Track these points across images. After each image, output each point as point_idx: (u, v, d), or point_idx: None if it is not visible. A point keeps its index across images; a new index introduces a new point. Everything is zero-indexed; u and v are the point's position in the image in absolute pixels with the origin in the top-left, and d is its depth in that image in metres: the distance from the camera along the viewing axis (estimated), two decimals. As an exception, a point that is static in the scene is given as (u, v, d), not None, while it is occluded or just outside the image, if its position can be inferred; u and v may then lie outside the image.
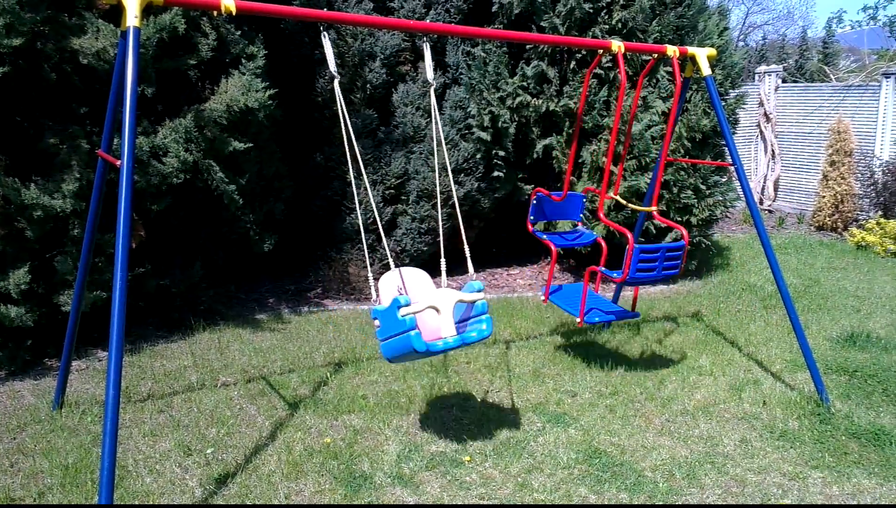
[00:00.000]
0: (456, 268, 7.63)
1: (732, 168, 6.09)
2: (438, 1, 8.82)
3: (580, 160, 8.49)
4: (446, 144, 8.44)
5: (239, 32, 7.03)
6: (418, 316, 4.11)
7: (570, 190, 6.81)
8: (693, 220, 8.80)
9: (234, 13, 3.80)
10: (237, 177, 7.06)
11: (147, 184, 6.18)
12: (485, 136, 8.45)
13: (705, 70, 5.35)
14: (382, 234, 4.59)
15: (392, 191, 8.40)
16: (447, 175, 8.33)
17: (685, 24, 8.39)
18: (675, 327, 7.15)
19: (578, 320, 5.57)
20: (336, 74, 4.14)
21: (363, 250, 8.42)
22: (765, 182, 14.47)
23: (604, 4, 8.34)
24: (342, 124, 4.19)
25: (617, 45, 5.09)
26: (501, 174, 8.66)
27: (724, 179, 9.23)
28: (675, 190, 8.52)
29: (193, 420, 4.91)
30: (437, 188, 5.83)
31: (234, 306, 7.77)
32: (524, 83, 8.36)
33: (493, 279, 9.11)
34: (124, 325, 3.30)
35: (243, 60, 7.02)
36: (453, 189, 5.11)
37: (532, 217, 6.03)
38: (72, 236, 5.85)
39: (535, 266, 9.56)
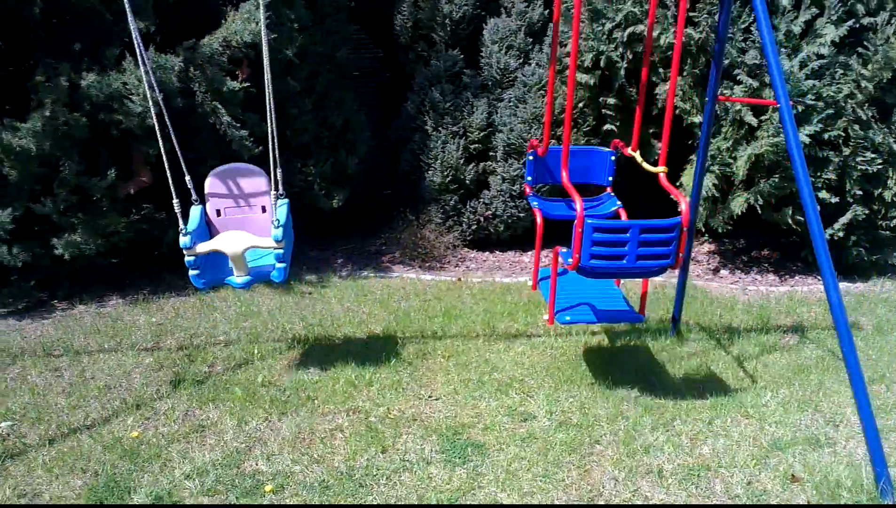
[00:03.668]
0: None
1: None
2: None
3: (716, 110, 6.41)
4: (542, 90, 6.96)
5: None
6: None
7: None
8: (887, 195, 6.29)
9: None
10: (263, 122, 6.40)
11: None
12: (588, 79, 6.80)
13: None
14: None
15: (478, 145, 7.17)
16: (540, 127, 6.88)
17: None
18: (799, 340, 5.08)
19: (546, 317, 4.09)
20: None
21: (443, 213, 7.36)
22: None
23: None
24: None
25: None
26: (614, 127, 6.94)
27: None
28: (846, 151, 6.11)
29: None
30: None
31: (297, 264, 7.22)
32: (635, 8, 6.52)
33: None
34: None
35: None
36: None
37: (529, 178, 4.56)
38: (61, 178, 5.68)
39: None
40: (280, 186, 4.34)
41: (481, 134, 7.13)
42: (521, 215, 7.19)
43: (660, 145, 4.30)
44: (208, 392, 4.29)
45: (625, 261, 3.64)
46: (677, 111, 6.60)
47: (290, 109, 6.77)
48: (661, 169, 4.13)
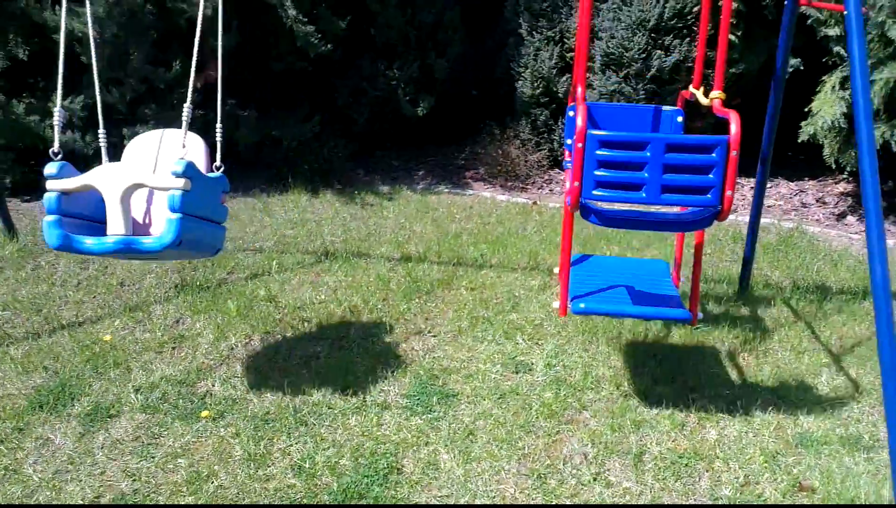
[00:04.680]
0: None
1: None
2: None
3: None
4: (650, -9, 6.05)
5: None
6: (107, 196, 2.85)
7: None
8: None
9: None
10: (336, 18, 6.05)
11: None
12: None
13: None
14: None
15: (573, 53, 6.43)
16: (646, 34, 6.05)
17: None
18: None
19: (557, 306, 3.28)
20: None
21: (532, 129, 6.76)
22: None
23: None
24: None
25: None
26: (734, 38, 5.93)
27: None
28: None
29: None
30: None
31: (376, 173, 6.97)
32: None
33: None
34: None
35: None
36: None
37: (569, 141, 3.54)
38: (130, 67, 5.69)
39: (793, 184, 6.58)
40: (218, 158, 3.20)
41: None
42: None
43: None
44: (207, 302, 4.17)
45: (643, 193, 2.69)
46: (809, 21, 5.51)
47: (372, 2, 6.36)
48: (716, 95, 3.16)
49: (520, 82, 6.59)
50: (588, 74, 6.44)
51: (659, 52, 6.03)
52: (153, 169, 3.34)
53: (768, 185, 6.31)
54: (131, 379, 3.43)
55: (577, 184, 2.75)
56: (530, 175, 6.70)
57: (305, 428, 3.13)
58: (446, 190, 6.55)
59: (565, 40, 6.42)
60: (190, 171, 2.80)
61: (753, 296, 4.33)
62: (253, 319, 4.00)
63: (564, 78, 6.44)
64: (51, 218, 2.79)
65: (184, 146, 2.95)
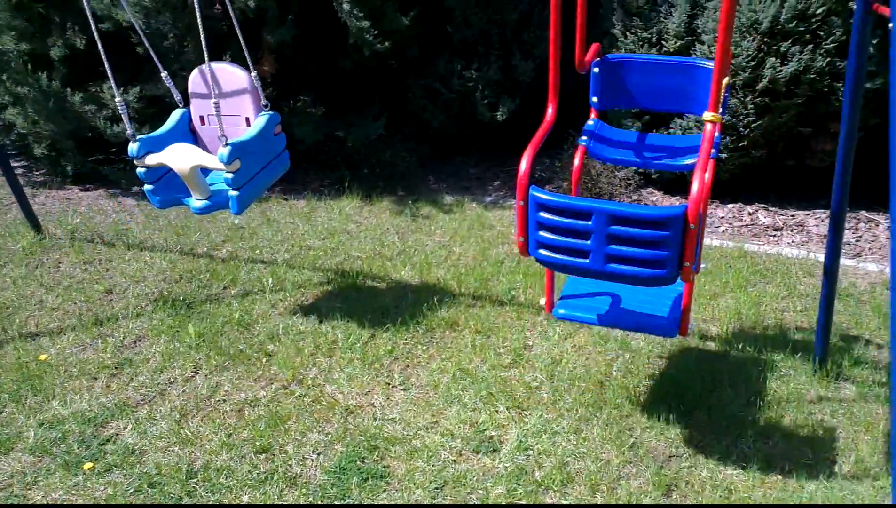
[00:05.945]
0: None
1: None
2: None
3: None
4: (766, -16, 5.02)
5: None
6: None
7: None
8: None
9: None
10: (399, 14, 5.50)
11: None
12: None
13: None
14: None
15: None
16: (757, 39, 5.05)
17: None
18: None
19: (543, 302, 3.05)
20: None
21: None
22: None
23: None
24: None
25: None
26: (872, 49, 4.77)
27: None
28: None
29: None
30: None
31: (447, 181, 6.38)
32: None
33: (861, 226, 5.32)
34: None
35: None
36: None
37: (595, 98, 3.14)
38: (184, 59, 5.46)
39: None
40: (262, 96, 3.55)
41: (679, 43, 5.42)
42: (723, 155, 5.45)
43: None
44: (175, 320, 3.78)
45: (589, 260, 2.34)
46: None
47: (448, -3, 5.77)
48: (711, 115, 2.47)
49: (610, 87, 5.74)
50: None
51: (773, 59, 4.99)
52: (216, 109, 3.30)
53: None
54: (44, 410, 3.08)
55: (521, 239, 2.49)
56: (614, 194, 5.84)
57: (189, 500, 2.62)
58: (513, 206, 5.84)
59: (663, 42, 5.49)
60: (235, 152, 3.19)
61: (838, 370, 3.33)
62: (208, 348, 3.55)
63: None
64: (147, 187, 3.39)
65: (222, 136, 3.17)
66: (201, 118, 3.69)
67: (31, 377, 3.29)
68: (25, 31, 5.47)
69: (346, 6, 5.23)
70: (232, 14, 3.40)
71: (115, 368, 3.40)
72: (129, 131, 3.26)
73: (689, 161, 2.84)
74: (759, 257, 4.76)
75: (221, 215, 5.34)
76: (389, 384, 3.33)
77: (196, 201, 3.38)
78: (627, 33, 5.62)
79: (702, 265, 3.04)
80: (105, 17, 5.25)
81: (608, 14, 5.81)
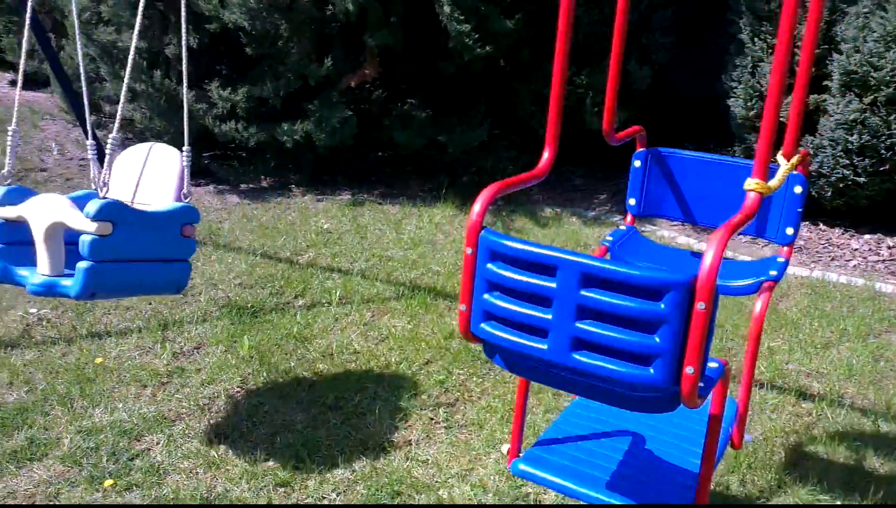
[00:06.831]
0: None
1: None
2: None
3: None
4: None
5: None
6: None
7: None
8: None
9: None
10: (503, 17, 5.24)
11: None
12: None
13: None
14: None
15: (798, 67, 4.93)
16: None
17: None
18: None
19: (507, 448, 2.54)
20: None
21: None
22: None
23: None
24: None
25: None
26: None
27: None
28: None
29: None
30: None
31: (552, 191, 6.10)
32: None
33: None
34: None
35: None
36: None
37: (632, 200, 2.58)
38: (288, 62, 5.49)
39: None
40: (187, 184, 2.94)
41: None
42: (861, 179, 4.84)
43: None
44: (237, 329, 3.75)
45: (546, 344, 1.59)
46: None
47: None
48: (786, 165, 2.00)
49: (732, 99, 5.23)
50: (824, 96, 4.90)
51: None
52: (135, 189, 3.01)
53: None
54: (86, 416, 3.11)
55: (463, 308, 1.76)
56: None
57: (198, 529, 2.54)
58: (599, 226, 5.45)
59: (795, 50, 4.92)
60: (108, 212, 2.42)
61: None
62: (259, 362, 3.48)
63: (787, 100, 4.95)
64: None
65: (104, 185, 2.50)
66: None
67: (84, 380, 3.33)
68: (144, 29, 5.66)
69: (447, 9, 5.04)
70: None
71: (167, 376, 3.39)
72: (6, 169, 2.74)
73: (740, 283, 2.24)
74: (893, 301, 4.18)
75: (314, 218, 5.32)
76: (433, 419, 3.12)
77: (36, 277, 2.52)
78: (756, 39, 5.10)
79: (747, 437, 2.38)
80: (213, 17, 5.34)
81: (736, 17, 5.29)
